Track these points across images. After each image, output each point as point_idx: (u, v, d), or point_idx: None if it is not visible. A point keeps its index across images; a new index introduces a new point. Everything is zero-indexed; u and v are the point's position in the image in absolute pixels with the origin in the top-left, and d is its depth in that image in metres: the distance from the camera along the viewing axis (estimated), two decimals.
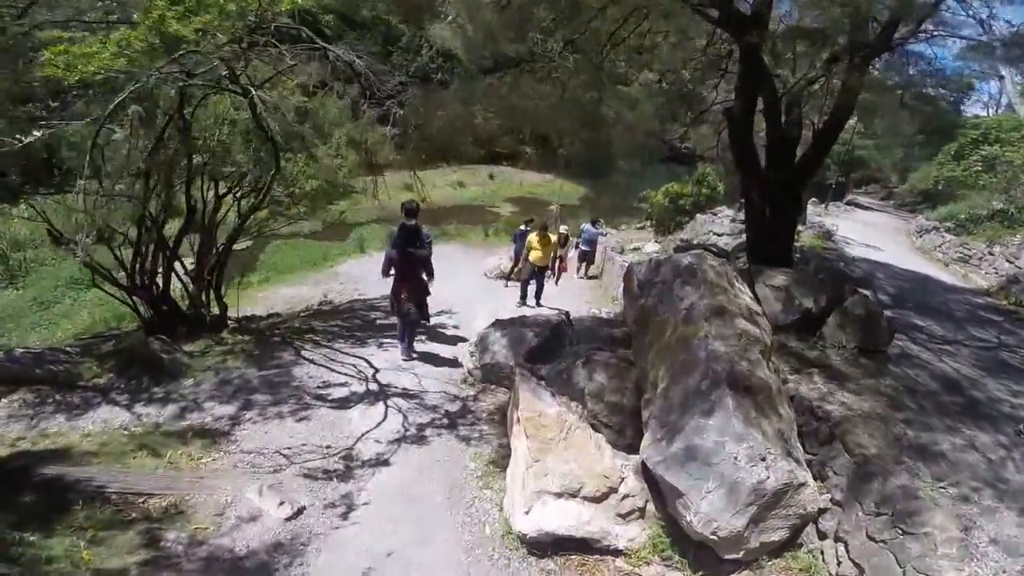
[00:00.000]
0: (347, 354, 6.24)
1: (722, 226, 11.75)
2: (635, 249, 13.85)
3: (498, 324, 6.05)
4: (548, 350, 5.57)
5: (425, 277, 5.77)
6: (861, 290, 5.96)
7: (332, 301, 9.34)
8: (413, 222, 5.53)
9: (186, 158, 5.44)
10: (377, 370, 5.89)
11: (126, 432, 4.75)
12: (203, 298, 6.54)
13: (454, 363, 6.22)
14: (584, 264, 11.96)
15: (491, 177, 28.60)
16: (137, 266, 6.47)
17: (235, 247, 10.94)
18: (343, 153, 5.35)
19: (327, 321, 7.54)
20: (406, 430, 4.94)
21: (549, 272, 9.47)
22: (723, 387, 3.43)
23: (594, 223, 12.25)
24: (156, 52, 3.56)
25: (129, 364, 5.81)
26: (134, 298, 6.61)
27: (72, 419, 4.94)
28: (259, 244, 12.72)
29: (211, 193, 6.45)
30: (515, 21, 4.96)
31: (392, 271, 5.75)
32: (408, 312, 5.76)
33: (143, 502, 3.87)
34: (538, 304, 9.00)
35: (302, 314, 8.31)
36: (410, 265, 5.61)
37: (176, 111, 4.79)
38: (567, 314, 6.62)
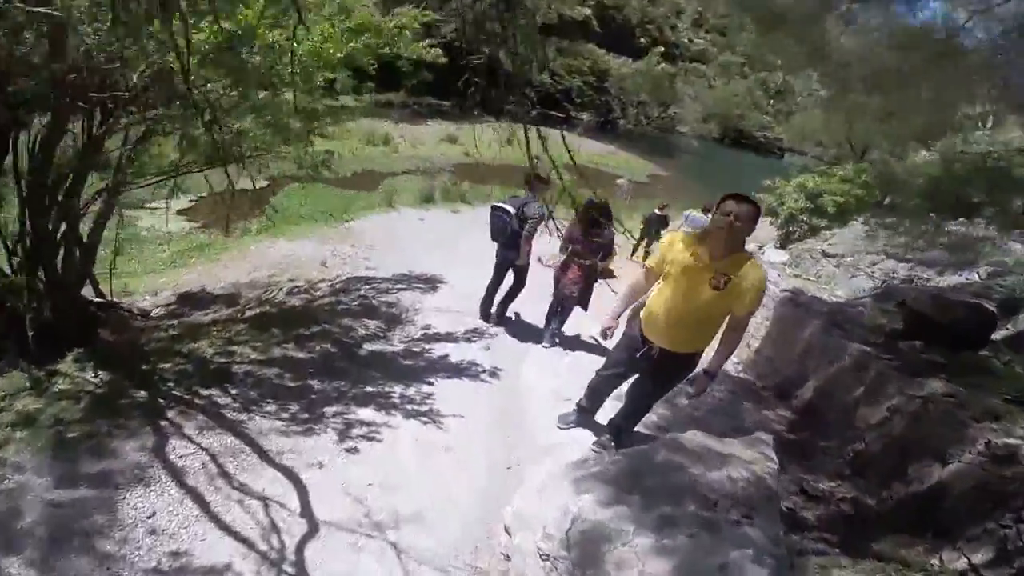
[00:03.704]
0: (266, 456, 2.80)
1: (906, 248, 7.81)
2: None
3: (628, 501, 2.05)
4: None
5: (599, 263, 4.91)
6: None
7: (317, 282, 6.04)
8: (529, 195, 5.05)
9: None
10: (314, 529, 2.41)
11: None
12: (33, 290, 3.33)
13: (480, 514, 2.73)
14: None
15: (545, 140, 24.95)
16: None
17: (252, 187, 7.60)
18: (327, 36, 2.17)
19: (272, 340, 4.13)
20: None
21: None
22: None
23: (705, 211, 8.46)
24: None
25: None
26: None
27: None
28: (277, 184, 10.72)
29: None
30: None
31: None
32: (571, 295, 4.88)
33: None
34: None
35: (249, 309, 4.99)
36: (591, 249, 4.85)
37: None
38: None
